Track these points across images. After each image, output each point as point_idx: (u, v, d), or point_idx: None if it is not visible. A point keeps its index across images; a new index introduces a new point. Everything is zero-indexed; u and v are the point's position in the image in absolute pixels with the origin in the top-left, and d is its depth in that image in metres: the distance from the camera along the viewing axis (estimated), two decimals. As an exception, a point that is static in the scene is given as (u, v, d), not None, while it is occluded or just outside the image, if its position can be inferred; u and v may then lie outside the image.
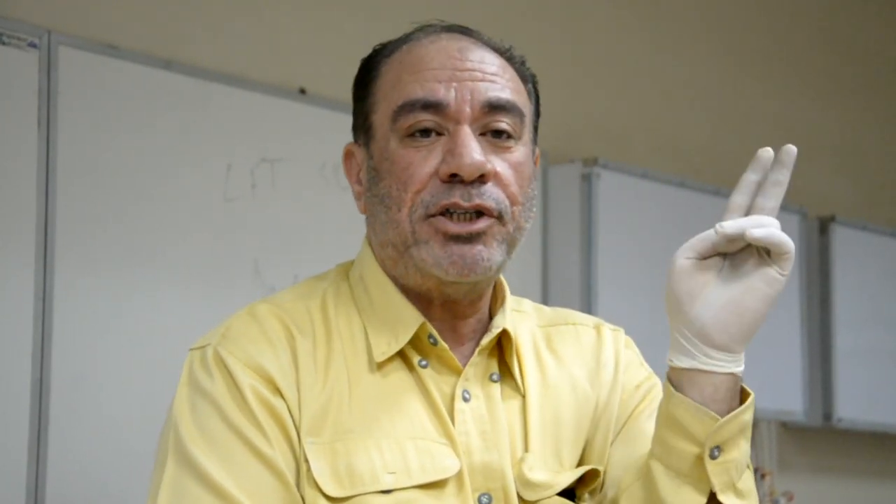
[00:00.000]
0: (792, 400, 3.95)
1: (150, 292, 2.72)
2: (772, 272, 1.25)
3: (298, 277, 2.83)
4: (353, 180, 1.41)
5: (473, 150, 1.29)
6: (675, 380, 1.26)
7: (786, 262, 1.25)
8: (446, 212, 1.30)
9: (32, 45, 2.62)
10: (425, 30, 1.38)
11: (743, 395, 1.27)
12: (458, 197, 1.29)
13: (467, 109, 1.31)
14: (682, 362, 1.25)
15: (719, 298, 1.24)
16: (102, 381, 2.64)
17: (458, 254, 1.29)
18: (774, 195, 1.27)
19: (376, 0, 3.25)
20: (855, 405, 4.07)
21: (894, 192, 4.61)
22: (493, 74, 1.34)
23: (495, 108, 1.32)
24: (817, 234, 4.10)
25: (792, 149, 1.26)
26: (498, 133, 1.32)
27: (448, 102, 1.31)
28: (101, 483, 2.61)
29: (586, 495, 1.37)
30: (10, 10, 2.64)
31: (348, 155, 1.42)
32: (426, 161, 1.30)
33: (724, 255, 1.27)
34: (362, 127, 1.39)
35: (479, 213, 1.30)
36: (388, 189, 1.32)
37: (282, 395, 1.27)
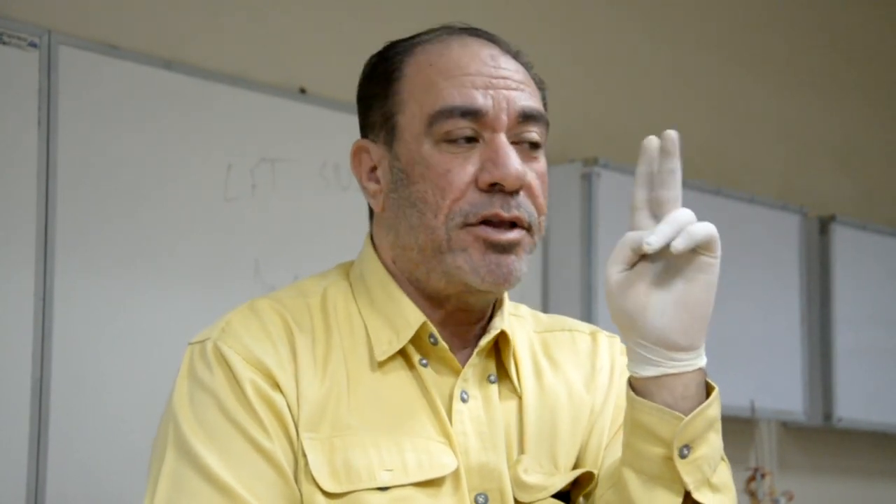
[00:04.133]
0: (792, 400, 3.95)
1: (150, 292, 2.72)
2: (704, 259, 1.23)
3: (298, 277, 2.83)
4: (366, 178, 1.39)
5: (514, 161, 1.30)
6: (640, 387, 1.25)
7: (713, 247, 1.23)
8: (485, 221, 1.30)
9: (32, 45, 2.62)
10: (449, 31, 1.38)
11: (708, 389, 1.26)
12: (498, 207, 1.30)
13: (504, 118, 1.32)
14: (648, 371, 1.24)
15: (666, 301, 1.22)
16: (102, 381, 2.65)
17: (495, 262, 1.30)
18: (672, 184, 1.24)
19: (377, 0, 3.25)
20: (855, 405, 4.08)
21: (894, 192, 4.61)
22: (522, 83, 1.35)
23: (528, 117, 1.33)
24: (817, 233, 4.10)
25: (672, 134, 1.23)
26: (528, 143, 1.34)
27: (486, 110, 1.31)
28: (101, 483, 2.61)
29: (581, 499, 1.37)
30: (10, 9, 2.64)
31: (358, 151, 1.40)
32: (464, 168, 1.31)
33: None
34: (382, 126, 1.37)
35: (513, 223, 1.31)
36: (422, 194, 1.31)
37: (280, 390, 1.27)
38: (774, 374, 3.90)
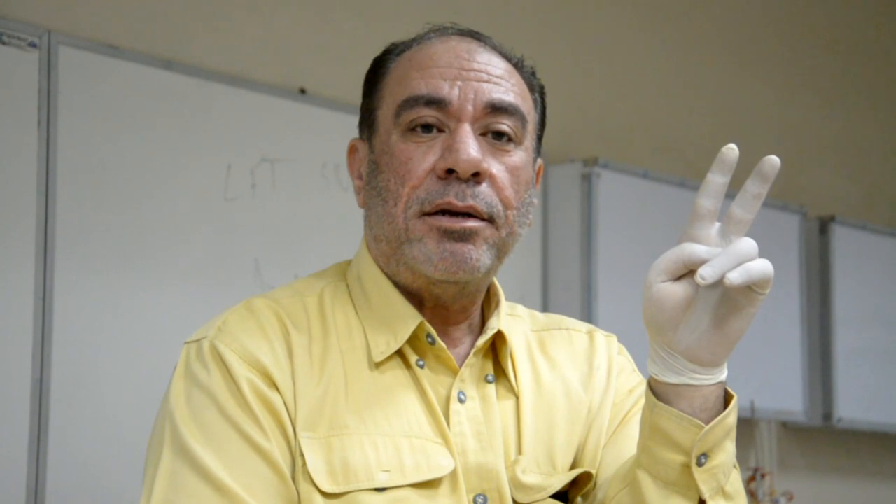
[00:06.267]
0: (792, 400, 3.95)
1: (150, 292, 2.72)
2: (752, 293, 1.20)
3: (298, 277, 2.83)
4: (355, 175, 1.41)
5: (470, 147, 1.29)
6: (660, 392, 1.24)
7: (766, 286, 1.20)
8: (442, 211, 1.30)
9: (32, 45, 2.62)
10: (438, 31, 1.39)
11: (726, 397, 1.27)
12: (452, 196, 1.29)
13: (469, 108, 1.31)
14: (669, 378, 1.23)
15: (702, 321, 1.20)
16: (102, 381, 2.65)
17: (450, 251, 1.29)
18: (753, 207, 1.21)
19: (376, 0, 3.25)
20: (855, 405, 4.08)
21: (894, 192, 4.61)
22: (498, 77, 1.34)
23: (497, 109, 1.32)
24: (817, 234, 4.10)
25: (777, 161, 1.19)
26: (498, 135, 1.33)
27: (451, 100, 1.31)
28: (101, 483, 2.61)
29: (579, 499, 1.37)
30: (10, 9, 2.64)
31: (352, 150, 1.42)
32: (425, 157, 1.31)
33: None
34: (367, 121, 1.39)
35: (469, 213, 1.30)
36: (385, 182, 1.33)
37: (278, 389, 1.27)
38: (774, 374, 3.90)
